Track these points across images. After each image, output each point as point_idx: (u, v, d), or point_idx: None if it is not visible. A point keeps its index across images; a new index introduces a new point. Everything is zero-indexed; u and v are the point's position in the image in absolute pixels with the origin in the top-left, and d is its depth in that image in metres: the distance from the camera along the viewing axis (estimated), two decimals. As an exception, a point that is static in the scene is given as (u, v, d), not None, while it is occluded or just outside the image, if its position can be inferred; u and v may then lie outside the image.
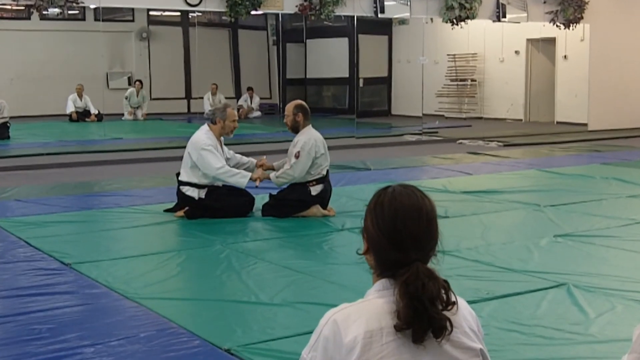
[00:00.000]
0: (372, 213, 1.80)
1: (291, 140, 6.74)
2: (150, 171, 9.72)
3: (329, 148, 6.91)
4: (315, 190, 6.62)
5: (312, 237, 5.91)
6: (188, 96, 20.73)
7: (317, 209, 6.60)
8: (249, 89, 19.99)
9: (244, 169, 6.75)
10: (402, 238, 1.74)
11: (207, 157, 6.43)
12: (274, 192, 6.77)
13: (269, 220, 6.49)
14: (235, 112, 6.79)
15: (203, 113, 18.13)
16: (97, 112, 17.46)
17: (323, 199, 6.67)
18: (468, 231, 6.03)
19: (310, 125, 6.70)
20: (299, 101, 6.86)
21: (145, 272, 4.84)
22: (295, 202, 6.57)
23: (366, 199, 1.89)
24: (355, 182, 8.50)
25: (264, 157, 7.06)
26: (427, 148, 12.73)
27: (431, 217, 1.78)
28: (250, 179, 6.53)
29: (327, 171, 6.75)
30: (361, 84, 19.58)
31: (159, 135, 14.69)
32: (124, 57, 20.03)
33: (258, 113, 19.87)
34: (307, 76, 21.05)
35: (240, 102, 20.01)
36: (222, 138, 6.72)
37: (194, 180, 6.53)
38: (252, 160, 6.96)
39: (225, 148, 6.79)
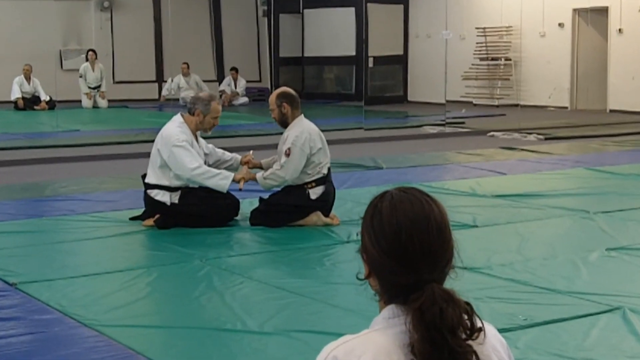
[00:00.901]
0: (369, 229, 1.78)
1: (286, 133, 6.75)
2: (114, 170, 9.73)
3: (332, 142, 6.92)
4: (315, 193, 6.62)
5: (311, 250, 5.92)
6: (159, 79, 20.74)
7: (317, 217, 6.61)
8: (233, 69, 20.00)
9: (227, 168, 6.75)
10: (409, 256, 1.72)
11: (180, 155, 6.41)
12: (265, 196, 6.78)
13: (259, 230, 6.49)
14: (220, 108, 6.78)
15: (178, 99, 18.16)
16: (48, 98, 17.47)
17: (325, 204, 6.67)
18: (501, 243, 6.04)
19: (302, 116, 6.70)
20: (282, 89, 6.86)
21: (107, 294, 4.84)
22: (291, 208, 6.58)
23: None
24: (364, 184, 8.51)
25: (251, 152, 7.05)
26: (452, 142, 12.74)
27: (442, 225, 1.76)
28: (233, 179, 6.52)
29: (329, 170, 6.75)
30: (371, 64, 19.59)
31: (124, 126, 14.70)
32: (81, 31, 20.04)
33: (244, 99, 19.89)
34: (305, 54, 21.06)
35: (223, 86, 20.03)
36: (198, 132, 6.72)
37: (164, 182, 6.52)
38: (237, 156, 6.95)
39: (202, 142, 6.79)
